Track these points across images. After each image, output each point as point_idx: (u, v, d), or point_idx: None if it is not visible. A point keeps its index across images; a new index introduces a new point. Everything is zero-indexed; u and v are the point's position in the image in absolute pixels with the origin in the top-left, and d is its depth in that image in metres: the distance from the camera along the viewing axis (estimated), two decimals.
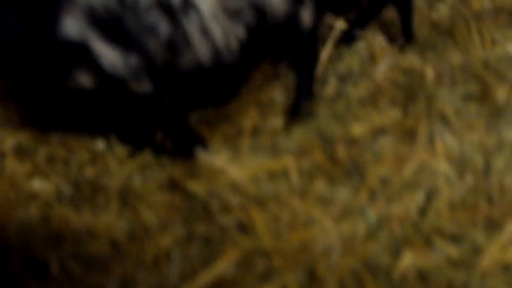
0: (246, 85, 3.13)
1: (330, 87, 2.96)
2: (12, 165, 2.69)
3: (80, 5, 2.18)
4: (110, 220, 2.34)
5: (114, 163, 2.64)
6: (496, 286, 1.95)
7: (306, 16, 2.74)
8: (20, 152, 2.78)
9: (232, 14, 2.39)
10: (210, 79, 2.77)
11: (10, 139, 2.82)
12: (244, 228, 2.26)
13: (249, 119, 2.85)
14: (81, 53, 2.26)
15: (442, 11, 3.27)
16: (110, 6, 2.21)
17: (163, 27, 2.30)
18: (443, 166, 2.34)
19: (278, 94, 3.05)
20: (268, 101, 3.04)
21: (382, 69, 2.97)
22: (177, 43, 2.35)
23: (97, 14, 2.20)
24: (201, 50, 2.38)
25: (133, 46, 2.29)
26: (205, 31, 2.35)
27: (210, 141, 2.67)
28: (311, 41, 2.84)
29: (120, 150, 2.70)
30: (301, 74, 2.88)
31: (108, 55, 2.27)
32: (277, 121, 2.84)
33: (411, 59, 3.00)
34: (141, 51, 2.31)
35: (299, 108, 2.83)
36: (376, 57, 3.09)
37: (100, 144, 2.80)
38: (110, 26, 2.24)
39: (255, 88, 3.12)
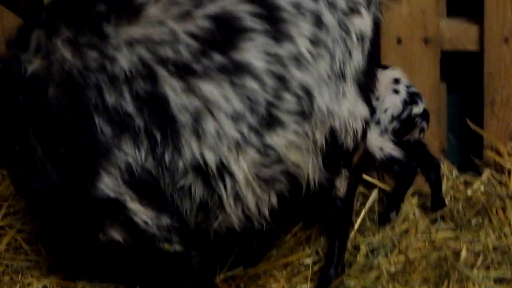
0: (277, 247, 3.15)
1: (361, 258, 2.96)
2: None
3: (118, 164, 2.25)
4: None
5: None
6: None
7: (342, 186, 2.79)
8: None
9: (266, 182, 2.44)
10: (240, 241, 2.80)
11: (36, 284, 2.86)
12: None
13: (277, 283, 2.85)
14: (115, 210, 2.31)
15: (478, 189, 3.30)
16: (148, 167, 2.27)
17: (198, 190, 2.34)
18: None
19: (308, 258, 3.05)
20: (298, 265, 3.03)
21: (414, 243, 2.98)
22: (210, 207, 2.38)
23: (134, 173, 2.26)
24: (233, 214, 2.41)
25: (167, 207, 2.34)
26: (238, 197, 2.39)
27: None
28: (345, 211, 2.87)
29: None
30: (333, 242, 2.89)
31: (142, 214, 2.31)
32: (305, 287, 2.83)
33: (445, 235, 3.01)
34: (174, 212, 2.35)
35: (328, 277, 2.82)
36: (409, 229, 3.10)
37: None
38: (146, 186, 2.29)
39: (286, 251, 3.13)
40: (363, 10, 2.56)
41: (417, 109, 3.17)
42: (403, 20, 3.34)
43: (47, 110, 2.24)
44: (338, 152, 2.64)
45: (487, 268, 2.73)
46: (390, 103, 3.15)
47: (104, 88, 2.21)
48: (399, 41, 3.36)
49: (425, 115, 3.21)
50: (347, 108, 2.55)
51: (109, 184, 2.25)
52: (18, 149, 2.30)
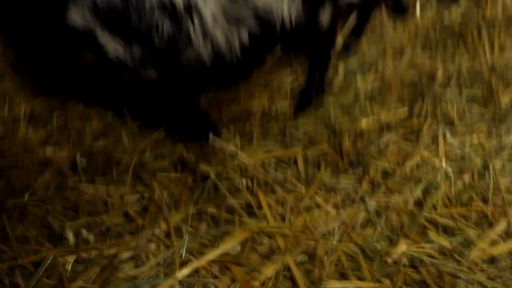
0: (257, 69, 3.40)
1: (339, 79, 3.26)
2: (26, 130, 2.94)
3: None
4: (124, 193, 2.61)
5: (126, 138, 2.91)
6: (482, 276, 2.24)
7: (325, 18, 3.04)
8: (34, 119, 3.03)
9: (235, 20, 2.66)
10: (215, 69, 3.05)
11: (24, 106, 3.08)
12: (251, 209, 2.53)
13: (259, 102, 3.13)
14: (87, 41, 2.53)
15: (456, 15, 3.56)
16: (114, 4, 2.47)
17: (166, 26, 2.55)
18: (443, 164, 2.62)
19: (288, 80, 3.33)
20: (278, 86, 3.32)
21: (391, 65, 3.28)
22: (179, 42, 2.61)
23: (101, 8, 2.46)
24: (203, 50, 2.65)
25: (136, 39, 2.56)
26: (206, 34, 2.61)
27: (221, 125, 2.95)
28: (328, 40, 3.14)
29: (132, 124, 2.97)
30: (314, 68, 3.18)
31: (111, 45, 2.54)
32: (285, 105, 3.13)
33: (422, 58, 3.30)
34: (144, 44, 2.57)
35: (308, 98, 3.12)
36: (387, 52, 3.40)
37: (112, 117, 3.08)
38: (114, 21, 2.50)
39: (266, 73, 3.40)
40: None
41: None
42: None
43: None
44: None
45: (460, 87, 3.04)
46: None
47: None
48: None
49: None
50: None
51: (77, 16, 2.47)
52: None
